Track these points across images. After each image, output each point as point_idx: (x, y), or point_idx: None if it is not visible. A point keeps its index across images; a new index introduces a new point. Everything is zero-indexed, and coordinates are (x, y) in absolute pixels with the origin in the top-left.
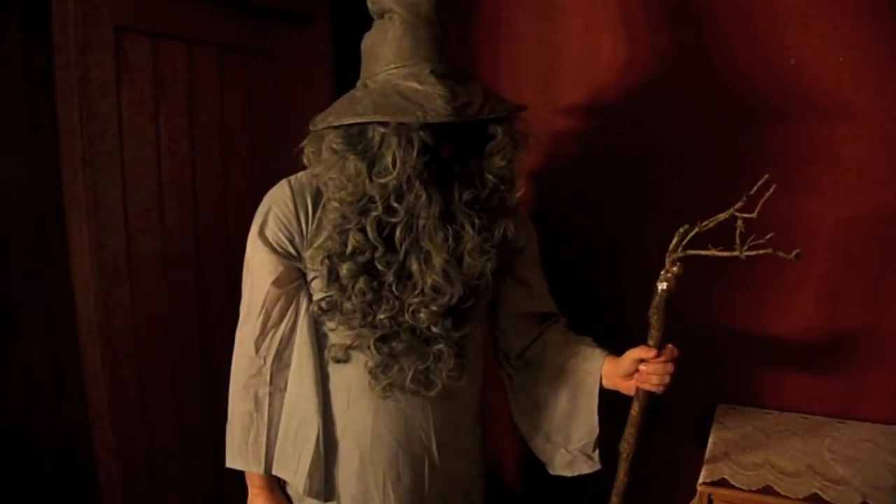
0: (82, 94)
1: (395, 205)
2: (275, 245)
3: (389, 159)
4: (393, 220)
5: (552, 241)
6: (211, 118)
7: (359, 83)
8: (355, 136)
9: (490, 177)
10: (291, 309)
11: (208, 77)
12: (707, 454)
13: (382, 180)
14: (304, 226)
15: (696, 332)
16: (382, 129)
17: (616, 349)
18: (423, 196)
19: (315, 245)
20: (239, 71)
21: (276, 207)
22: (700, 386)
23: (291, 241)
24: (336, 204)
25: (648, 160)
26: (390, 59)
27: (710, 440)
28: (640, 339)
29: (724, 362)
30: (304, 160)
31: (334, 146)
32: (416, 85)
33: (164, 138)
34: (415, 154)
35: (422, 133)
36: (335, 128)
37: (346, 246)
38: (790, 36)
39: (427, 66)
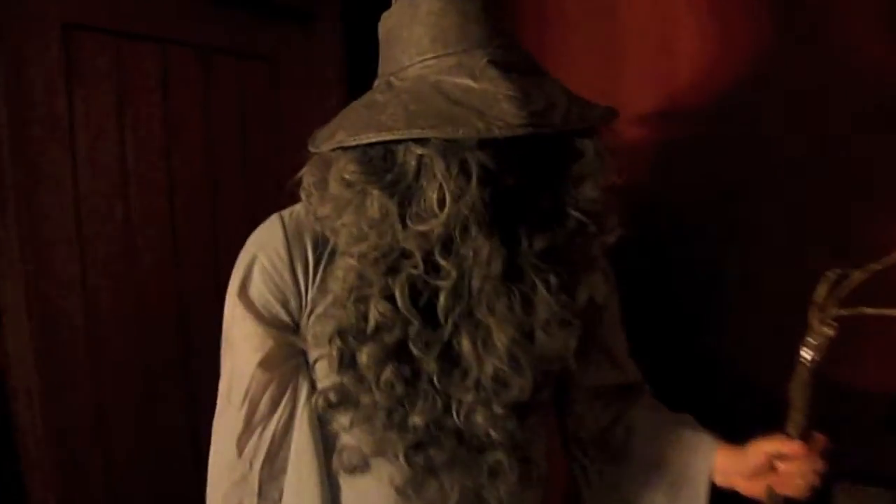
0: (14, 109)
1: (442, 261)
2: (262, 310)
3: (434, 195)
4: (436, 282)
5: (623, 281)
6: (193, 134)
7: (378, 82)
8: (379, 161)
9: (574, 213)
10: (286, 398)
11: (189, 85)
12: None
13: (423, 227)
14: (302, 283)
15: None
16: (421, 150)
17: (725, 431)
18: (486, 248)
19: (318, 313)
20: (229, 77)
21: (263, 256)
22: None
23: (285, 305)
24: (352, 261)
25: (747, 176)
26: (426, 45)
27: None
28: (755, 416)
29: (841, 431)
30: (303, 196)
31: (348, 176)
32: (468, 82)
33: (133, 161)
34: (473, 185)
35: (480, 154)
36: (348, 149)
37: (365, 320)
38: None
39: (482, 53)
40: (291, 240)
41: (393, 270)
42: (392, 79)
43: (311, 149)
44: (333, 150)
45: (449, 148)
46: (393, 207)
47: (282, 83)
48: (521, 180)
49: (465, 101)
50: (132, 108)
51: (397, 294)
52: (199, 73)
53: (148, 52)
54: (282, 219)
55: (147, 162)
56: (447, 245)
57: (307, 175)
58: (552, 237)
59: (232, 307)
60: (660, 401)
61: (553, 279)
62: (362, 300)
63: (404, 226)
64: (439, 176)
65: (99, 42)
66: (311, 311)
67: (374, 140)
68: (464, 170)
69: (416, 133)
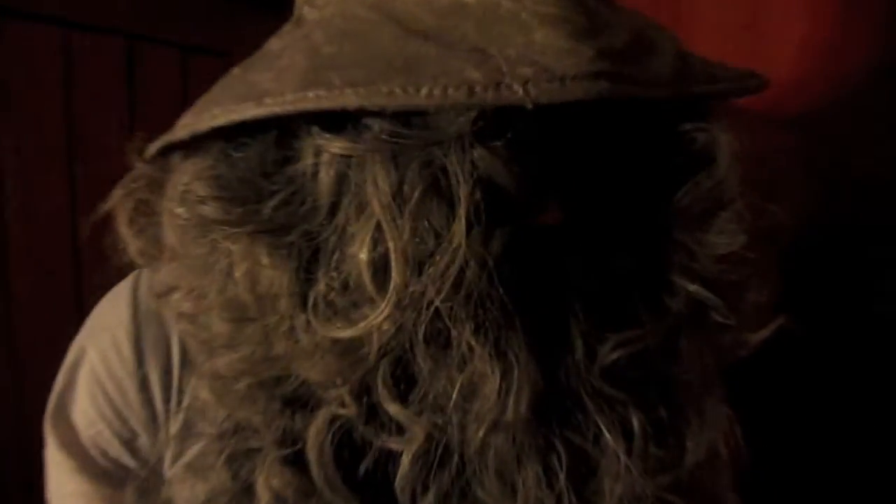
0: None
1: (390, 408)
2: (88, 450)
3: (365, 253)
4: (388, 441)
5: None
6: (107, 147)
7: (290, 22)
8: (253, 176)
9: (687, 285)
10: None
11: (106, 80)
12: None
13: (342, 331)
14: (159, 404)
15: None
16: (340, 145)
17: None
18: (494, 374)
19: (187, 462)
20: (166, 73)
21: (94, 353)
22: None
23: (129, 444)
24: (207, 390)
25: None
26: None
27: None
28: None
29: None
30: (131, 252)
31: (185, 213)
32: None
33: (15, 186)
34: (458, 229)
35: (479, 152)
36: (196, 151)
37: (249, 498)
38: None
39: None
40: (144, 326)
41: (299, 404)
42: (306, 9)
43: (144, 156)
44: (168, 146)
45: (403, 138)
46: (282, 278)
47: None
48: (574, 213)
49: (445, 33)
50: (19, 106)
51: (310, 455)
52: (122, 65)
53: (44, 36)
54: (134, 286)
55: (36, 171)
56: (401, 367)
57: (121, 209)
58: (638, 337)
59: (49, 440)
60: None
61: (636, 418)
62: (242, 460)
63: (307, 322)
64: (377, 206)
65: None
66: (178, 455)
67: (222, 122)
68: (437, 190)
69: (313, 100)
